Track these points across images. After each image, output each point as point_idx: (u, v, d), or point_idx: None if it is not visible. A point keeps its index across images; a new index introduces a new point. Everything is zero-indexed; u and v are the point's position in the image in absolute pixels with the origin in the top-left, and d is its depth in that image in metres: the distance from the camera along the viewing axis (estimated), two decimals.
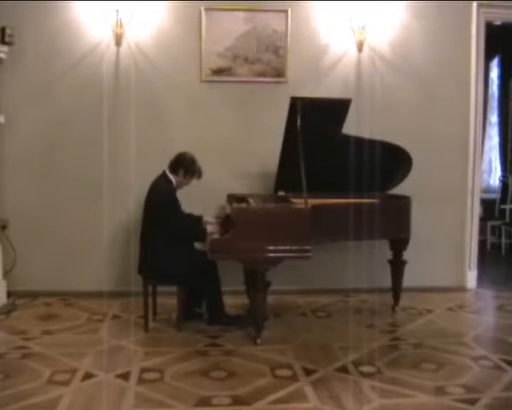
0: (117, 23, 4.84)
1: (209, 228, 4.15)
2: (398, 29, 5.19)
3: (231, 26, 5.01)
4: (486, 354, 3.77)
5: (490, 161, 8.37)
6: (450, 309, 4.84)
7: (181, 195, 4.33)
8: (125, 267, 4.87)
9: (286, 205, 4.26)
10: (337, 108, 4.32)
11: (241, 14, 5.01)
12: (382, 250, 4.85)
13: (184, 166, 4.21)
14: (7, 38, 4.67)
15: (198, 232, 4.16)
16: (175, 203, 4.17)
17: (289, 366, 3.54)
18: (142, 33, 4.97)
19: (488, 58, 6.96)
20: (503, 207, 7.58)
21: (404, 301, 4.83)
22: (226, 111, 5.11)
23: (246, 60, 5.07)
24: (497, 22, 5.73)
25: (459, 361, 3.66)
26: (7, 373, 3.36)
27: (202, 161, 4.32)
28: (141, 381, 3.30)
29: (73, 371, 3.40)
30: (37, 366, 3.49)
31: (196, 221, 4.29)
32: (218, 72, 5.06)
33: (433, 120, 5.29)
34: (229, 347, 3.87)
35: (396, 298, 4.75)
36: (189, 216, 4.37)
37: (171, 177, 4.21)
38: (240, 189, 4.93)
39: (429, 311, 4.76)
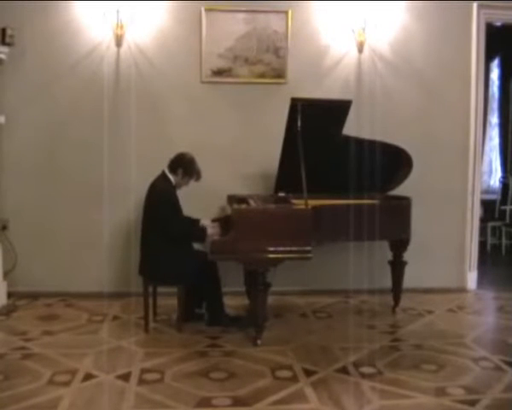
0: (117, 24, 4.84)
1: (209, 230, 4.14)
2: (398, 30, 5.20)
3: (231, 27, 5.01)
4: (487, 355, 3.77)
5: (490, 162, 8.38)
6: (450, 310, 4.84)
7: (181, 196, 4.33)
8: (126, 268, 4.87)
9: (286, 206, 4.26)
10: (337, 109, 4.33)
11: (241, 14, 5.01)
12: (382, 251, 4.86)
13: (183, 165, 4.21)
14: (7, 39, 4.67)
15: (197, 233, 4.15)
16: (175, 203, 4.17)
17: (289, 367, 3.54)
18: (143, 34, 4.98)
19: (488, 59, 6.97)
20: (503, 208, 7.57)
21: (405, 302, 4.82)
22: (226, 112, 5.11)
23: (246, 61, 5.07)
24: (498, 23, 5.74)
25: (459, 362, 3.66)
26: (7, 374, 3.36)
27: (202, 162, 4.32)
28: (141, 382, 3.31)
29: (74, 372, 3.41)
30: (38, 366, 3.49)
31: (196, 223, 4.28)
32: (219, 73, 5.06)
33: (434, 121, 5.29)
34: (229, 348, 3.87)
35: (396, 299, 4.75)
36: (190, 219, 4.37)
37: (170, 176, 4.21)
38: (240, 190, 4.93)
39: (429, 312, 4.76)
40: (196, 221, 4.29)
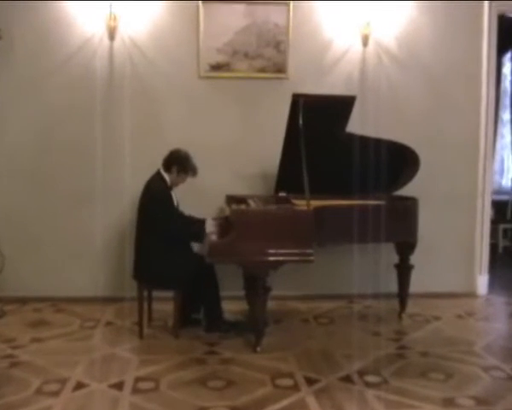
0: (110, 16, 4.84)
1: (209, 228, 4.13)
2: (405, 23, 5.19)
3: (230, 20, 5.01)
4: (498, 364, 3.76)
5: (502, 161, 8.35)
6: (459, 316, 4.83)
7: (178, 196, 4.33)
8: (119, 271, 4.88)
9: (287, 207, 4.26)
10: (341, 106, 4.32)
11: (240, 7, 5.01)
12: (388, 254, 4.84)
13: (177, 162, 4.22)
14: None
15: (194, 231, 4.14)
16: (169, 202, 4.18)
17: (290, 375, 3.54)
18: (137, 27, 4.97)
19: (500, 52, 6.94)
20: None
21: (411, 307, 4.82)
22: (225, 108, 5.11)
23: (246, 55, 5.07)
24: (511, 15, 5.71)
25: (469, 371, 3.65)
26: None
27: (200, 161, 4.32)
28: (135, 391, 3.30)
29: (64, 381, 3.40)
30: (26, 375, 3.48)
31: (194, 221, 4.28)
32: (217, 67, 5.07)
33: (442, 118, 5.29)
34: (227, 355, 3.87)
35: (402, 304, 4.74)
36: (190, 217, 4.37)
37: (165, 175, 4.22)
38: (239, 190, 4.93)
39: (437, 318, 4.75)
40: (201, 221, 4.29)
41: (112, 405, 3.13)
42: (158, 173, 4.24)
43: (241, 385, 3.39)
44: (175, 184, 4.28)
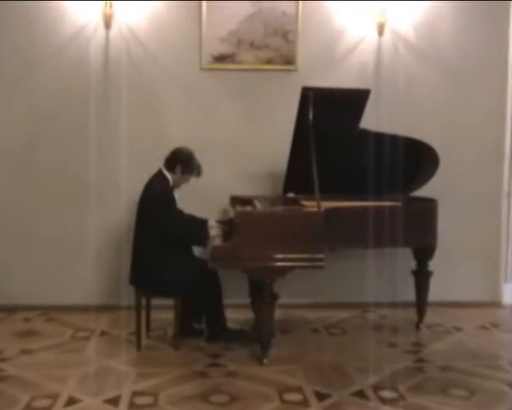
0: (106, 3, 4.85)
1: (212, 232, 4.12)
2: (424, 10, 5.17)
3: (235, 8, 5.01)
4: None
5: None
6: (482, 327, 4.81)
7: (179, 197, 4.33)
8: (115, 277, 4.88)
9: (296, 208, 4.27)
10: (354, 100, 4.31)
11: None
12: (405, 260, 4.82)
13: (182, 162, 4.22)
14: None
15: (198, 235, 4.14)
16: (171, 204, 4.17)
17: (299, 390, 3.52)
18: (135, 15, 4.97)
19: None
20: None
21: (430, 317, 4.81)
22: (229, 102, 5.11)
23: (251, 45, 5.07)
24: None
25: (493, 387, 3.62)
26: None
27: (202, 159, 4.33)
28: (132, 406, 3.29)
29: (55, 397, 3.39)
30: (14, 390, 3.47)
31: (197, 223, 4.27)
32: (221, 59, 5.07)
33: (463, 113, 5.27)
34: (231, 367, 3.87)
35: (420, 314, 4.73)
36: (192, 217, 4.36)
37: (167, 175, 4.22)
38: (245, 190, 4.94)
39: (458, 329, 4.74)
40: (204, 221, 4.28)
41: None
42: (160, 173, 4.24)
43: (245, 400, 3.38)
44: (178, 184, 4.29)
